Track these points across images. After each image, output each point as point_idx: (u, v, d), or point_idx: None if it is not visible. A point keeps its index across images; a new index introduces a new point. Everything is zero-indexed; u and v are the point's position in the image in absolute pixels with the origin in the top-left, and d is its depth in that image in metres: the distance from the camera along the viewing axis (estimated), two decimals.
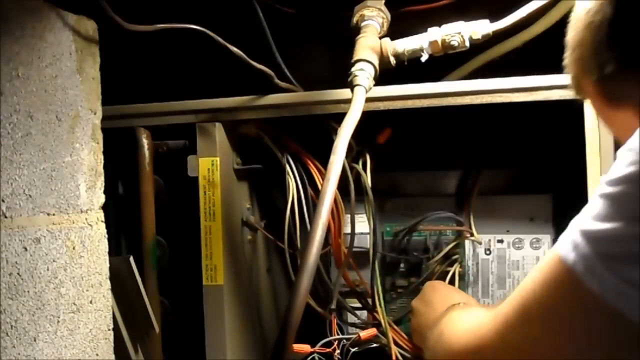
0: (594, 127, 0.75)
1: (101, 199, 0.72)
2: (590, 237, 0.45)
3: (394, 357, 0.87)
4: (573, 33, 0.51)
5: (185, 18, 0.78)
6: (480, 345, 0.56)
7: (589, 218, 0.46)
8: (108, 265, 0.73)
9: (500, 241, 0.98)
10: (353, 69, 0.75)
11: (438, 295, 0.82)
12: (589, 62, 0.49)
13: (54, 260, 0.64)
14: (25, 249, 0.61)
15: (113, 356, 0.73)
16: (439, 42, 0.76)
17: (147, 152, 0.88)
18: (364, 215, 0.90)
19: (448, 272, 0.96)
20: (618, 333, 0.45)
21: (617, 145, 0.71)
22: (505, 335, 0.53)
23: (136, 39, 0.74)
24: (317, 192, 0.78)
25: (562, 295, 0.47)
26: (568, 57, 0.53)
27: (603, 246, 0.44)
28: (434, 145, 1.00)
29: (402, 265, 1.00)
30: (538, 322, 0.49)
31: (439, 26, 0.77)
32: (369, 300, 0.92)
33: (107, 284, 0.73)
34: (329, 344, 0.88)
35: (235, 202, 0.94)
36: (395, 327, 0.92)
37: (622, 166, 0.44)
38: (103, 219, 0.72)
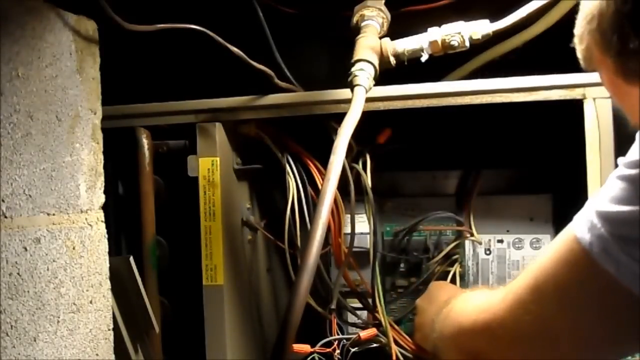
0: (594, 127, 0.75)
1: (101, 199, 0.72)
2: (607, 218, 0.45)
3: (394, 357, 0.87)
4: (591, 1, 0.47)
5: (185, 18, 0.78)
6: (489, 321, 0.56)
7: (606, 200, 0.46)
8: (108, 265, 0.73)
9: (500, 241, 0.98)
10: (353, 69, 0.75)
11: (443, 293, 0.82)
12: (609, 35, 0.45)
13: (54, 260, 0.64)
14: (25, 249, 0.61)
15: (113, 356, 0.73)
16: (439, 42, 0.76)
17: (147, 152, 0.88)
18: (364, 215, 0.89)
19: (448, 272, 0.96)
20: (631, 314, 0.45)
21: (617, 144, 0.71)
22: (516, 312, 0.53)
23: (136, 39, 0.74)
24: (317, 192, 0.78)
25: (577, 275, 0.47)
26: (582, 27, 0.49)
27: (619, 229, 0.44)
28: (434, 145, 1.00)
29: (402, 265, 1.00)
30: (551, 300, 0.50)
31: (439, 26, 0.77)
32: (369, 300, 0.92)
33: (107, 284, 0.73)
34: (329, 344, 0.87)
35: (235, 202, 0.94)
36: (396, 326, 0.92)
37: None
38: (103, 219, 0.72)
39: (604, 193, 0.47)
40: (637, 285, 0.44)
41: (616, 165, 0.48)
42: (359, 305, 0.96)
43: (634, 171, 0.44)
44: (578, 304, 0.48)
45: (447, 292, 0.83)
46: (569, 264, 0.48)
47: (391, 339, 0.88)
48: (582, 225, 0.47)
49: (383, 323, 0.89)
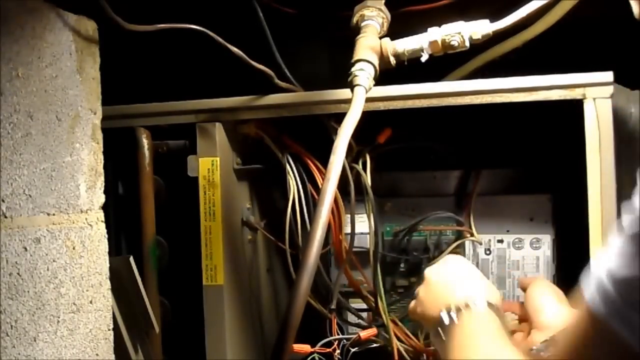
0: (594, 127, 0.75)
1: (101, 199, 0.72)
2: (617, 282, 0.42)
3: (395, 353, 0.87)
4: None
5: (185, 18, 0.78)
6: None
7: (614, 261, 0.43)
8: (108, 265, 0.73)
9: (500, 241, 0.98)
10: (353, 69, 0.75)
11: (439, 287, 0.75)
12: None
13: (54, 260, 0.64)
14: (25, 249, 0.61)
15: (113, 356, 0.73)
16: (439, 42, 0.76)
17: (147, 152, 0.88)
18: (364, 215, 0.90)
19: None
20: None
21: (617, 144, 0.70)
22: None
23: (136, 39, 0.74)
24: (318, 192, 0.78)
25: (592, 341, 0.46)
26: None
27: (632, 294, 0.42)
28: (434, 145, 1.00)
29: (402, 265, 1.00)
30: None
31: (439, 26, 0.77)
32: (370, 300, 0.92)
33: (107, 284, 0.73)
34: (329, 344, 0.88)
35: (235, 202, 0.94)
36: (399, 323, 0.92)
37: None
38: (103, 219, 0.72)
39: (611, 251, 0.44)
40: None
41: (620, 206, 0.45)
42: (359, 305, 0.96)
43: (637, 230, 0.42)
44: None
45: (441, 289, 0.71)
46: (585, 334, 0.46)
47: (393, 336, 0.88)
48: (592, 290, 0.44)
49: (385, 320, 0.88)
